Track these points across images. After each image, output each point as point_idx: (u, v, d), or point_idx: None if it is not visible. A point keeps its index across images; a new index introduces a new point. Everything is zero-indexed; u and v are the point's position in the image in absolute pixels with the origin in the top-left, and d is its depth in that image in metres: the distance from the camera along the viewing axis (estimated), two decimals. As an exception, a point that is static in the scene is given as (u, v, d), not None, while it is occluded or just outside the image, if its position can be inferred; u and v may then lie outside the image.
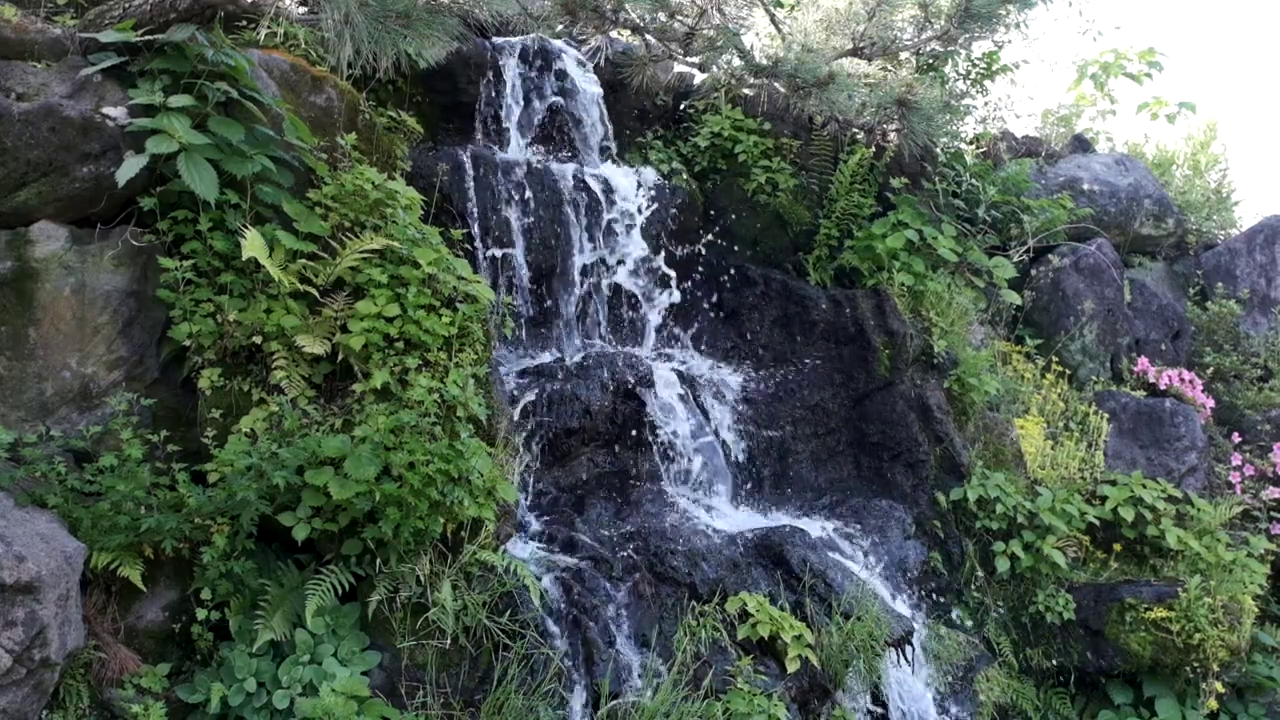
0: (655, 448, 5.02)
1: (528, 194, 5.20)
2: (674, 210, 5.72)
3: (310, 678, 3.35)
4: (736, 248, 6.14)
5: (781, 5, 6.27)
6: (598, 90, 5.94)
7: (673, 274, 5.71)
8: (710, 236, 6.10)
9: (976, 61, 7.10)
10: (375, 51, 3.44)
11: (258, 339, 3.60)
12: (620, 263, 5.57)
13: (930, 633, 4.90)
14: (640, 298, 5.67)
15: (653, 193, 5.63)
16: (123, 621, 3.34)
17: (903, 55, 6.24)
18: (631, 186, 5.59)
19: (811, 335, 5.76)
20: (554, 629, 3.79)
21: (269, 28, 4.29)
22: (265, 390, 3.62)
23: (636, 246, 5.58)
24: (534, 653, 3.66)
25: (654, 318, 5.75)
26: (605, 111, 5.99)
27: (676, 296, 5.79)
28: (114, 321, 3.54)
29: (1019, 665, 5.26)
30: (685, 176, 5.95)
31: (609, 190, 5.48)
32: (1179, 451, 6.41)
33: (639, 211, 5.55)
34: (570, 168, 5.51)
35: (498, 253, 5.15)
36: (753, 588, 4.14)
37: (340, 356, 3.71)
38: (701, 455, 5.13)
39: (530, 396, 4.68)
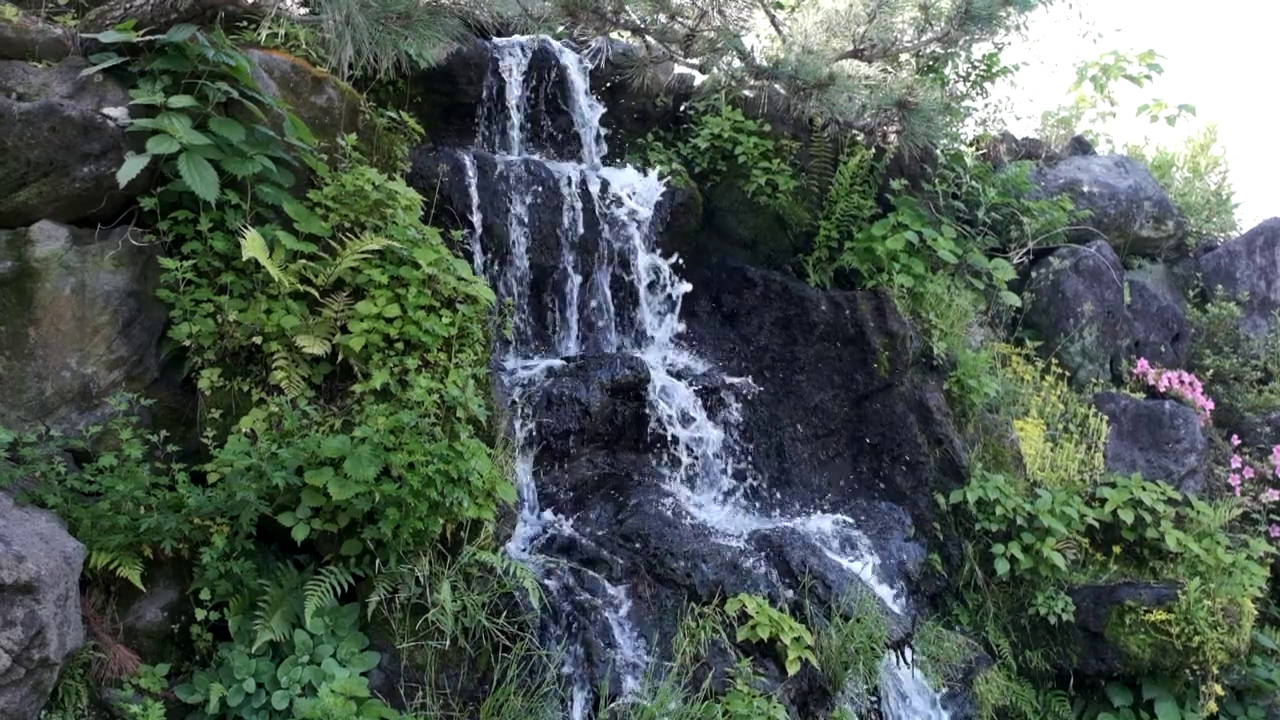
0: (654, 449, 5.02)
1: (528, 195, 5.20)
2: (674, 211, 5.72)
3: (309, 678, 3.35)
4: (736, 249, 6.14)
5: (782, 7, 6.27)
6: (598, 92, 5.95)
7: (672, 275, 5.71)
8: (710, 238, 6.10)
9: (976, 63, 7.10)
10: (376, 52, 3.44)
11: (258, 339, 3.60)
12: (620, 264, 5.57)
13: (930, 634, 4.91)
14: (639, 299, 5.67)
15: (652, 194, 5.63)
16: (122, 621, 3.34)
17: (903, 57, 6.24)
18: (631, 188, 5.59)
19: (811, 337, 5.77)
20: (554, 630, 3.79)
21: (270, 28, 4.29)
22: (265, 390, 3.62)
23: (636, 248, 5.58)
24: (533, 654, 3.66)
25: (653, 319, 5.75)
26: (605, 113, 6.00)
27: (676, 298, 5.79)
28: (114, 321, 3.54)
29: (1018, 667, 5.26)
30: (685, 178, 5.95)
31: (609, 191, 5.48)
32: (1178, 454, 6.41)
33: (638, 213, 5.55)
34: (570, 169, 5.51)
35: (498, 253, 5.15)
36: (752, 589, 4.14)
37: (340, 357, 3.71)
38: (701, 456, 5.13)
39: (530, 397, 4.68)
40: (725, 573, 4.20)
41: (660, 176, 5.72)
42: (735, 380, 5.61)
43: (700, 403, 5.21)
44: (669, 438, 4.99)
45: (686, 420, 5.07)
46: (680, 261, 5.70)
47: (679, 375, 5.31)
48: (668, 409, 5.00)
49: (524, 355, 5.35)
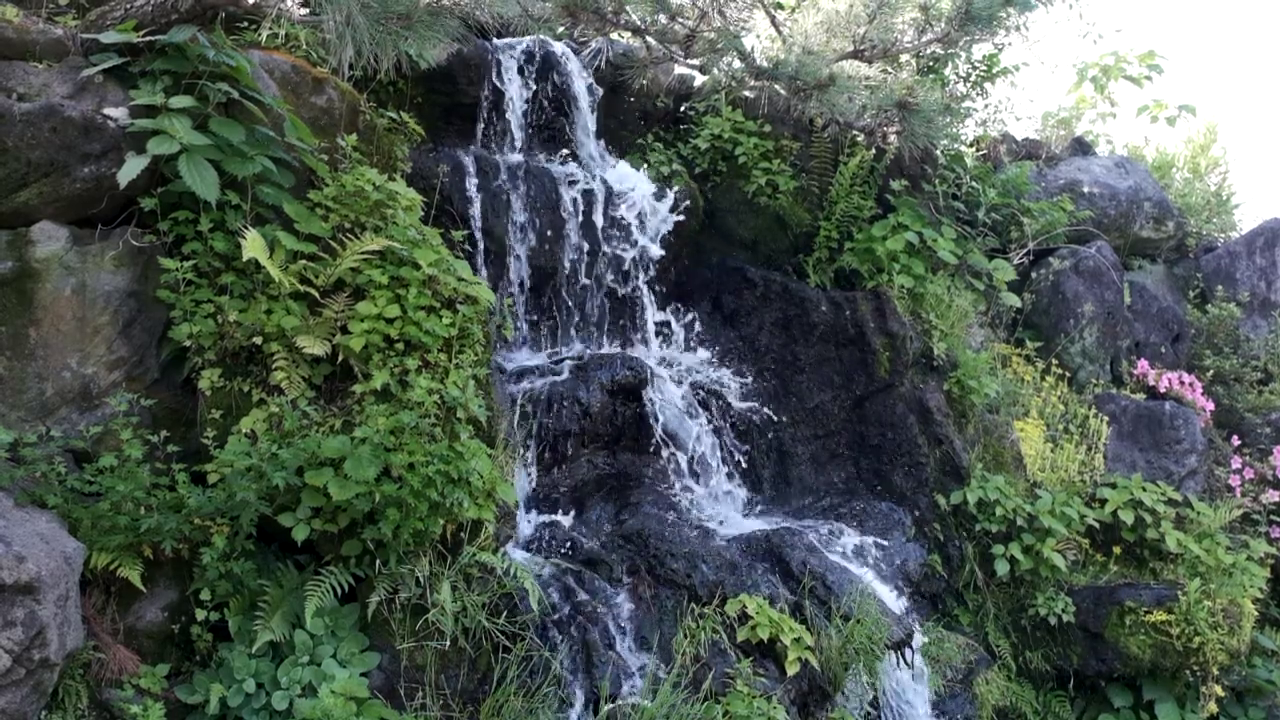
0: (654, 449, 5.02)
1: (528, 196, 5.20)
2: (674, 212, 5.72)
3: (309, 679, 3.35)
4: (736, 249, 6.14)
5: (782, 7, 6.27)
6: (598, 92, 5.95)
7: (672, 276, 5.70)
8: (710, 238, 6.09)
9: (977, 64, 7.11)
10: (376, 53, 3.44)
11: (258, 340, 3.60)
12: (620, 264, 5.57)
13: (930, 635, 4.90)
14: (640, 299, 5.67)
15: (652, 195, 5.63)
16: (122, 622, 3.34)
17: (903, 57, 6.24)
18: (631, 188, 5.58)
19: (811, 337, 5.76)
20: (553, 631, 3.79)
21: (270, 29, 4.29)
22: (265, 391, 3.62)
23: (636, 248, 5.58)
24: (533, 654, 3.66)
25: (653, 319, 5.75)
26: (606, 113, 5.99)
27: (676, 298, 5.78)
28: (114, 322, 3.54)
29: (1018, 668, 5.26)
30: (686, 178, 5.95)
31: (609, 192, 5.48)
32: (1179, 454, 6.41)
33: (638, 214, 5.55)
34: (570, 169, 5.51)
35: (498, 254, 5.15)
36: (752, 590, 4.14)
37: (340, 357, 3.71)
38: (701, 457, 5.13)
39: (530, 398, 4.68)
40: (725, 573, 4.20)
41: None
42: (735, 381, 5.61)
43: (699, 403, 5.20)
44: (668, 438, 4.99)
45: (686, 421, 5.07)
46: (680, 262, 5.66)
47: (678, 376, 5.30)
48: (667, 410, 4.98)
49: (524, 355, 5.35)
